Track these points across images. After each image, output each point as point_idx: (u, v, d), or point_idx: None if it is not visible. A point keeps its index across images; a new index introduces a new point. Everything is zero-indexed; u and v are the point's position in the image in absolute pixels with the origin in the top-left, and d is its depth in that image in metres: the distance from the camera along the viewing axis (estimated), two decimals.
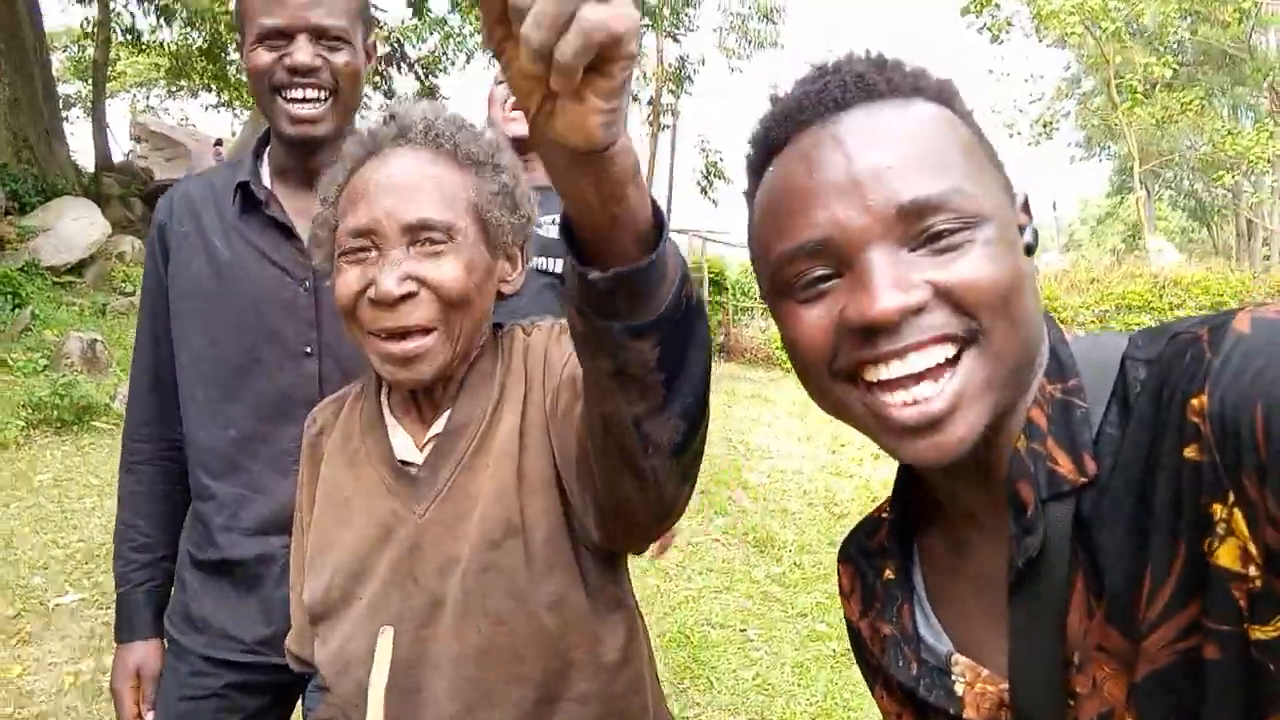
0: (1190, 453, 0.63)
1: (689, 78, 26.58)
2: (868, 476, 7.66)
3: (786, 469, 7.91)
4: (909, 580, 0.89)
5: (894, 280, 0.70)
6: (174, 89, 25.61)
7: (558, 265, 2.04)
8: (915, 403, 0.71)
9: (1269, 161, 20.43)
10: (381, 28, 18.22)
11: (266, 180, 1.62)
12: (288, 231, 1.56)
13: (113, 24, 16.87)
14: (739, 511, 6.61)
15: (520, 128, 2.04)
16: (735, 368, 14.44)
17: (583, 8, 0.53)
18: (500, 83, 2.21)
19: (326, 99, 1.52)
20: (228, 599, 1.57)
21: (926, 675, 0.83)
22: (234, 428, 1.54)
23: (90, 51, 18.37)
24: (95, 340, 8.39)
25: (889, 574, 0.89)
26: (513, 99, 2.05)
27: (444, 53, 19.31)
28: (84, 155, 15.93)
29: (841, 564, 1.00)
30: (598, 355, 0.76)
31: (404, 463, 1.15)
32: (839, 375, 0.76)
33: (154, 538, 1.68)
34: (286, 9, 1.48)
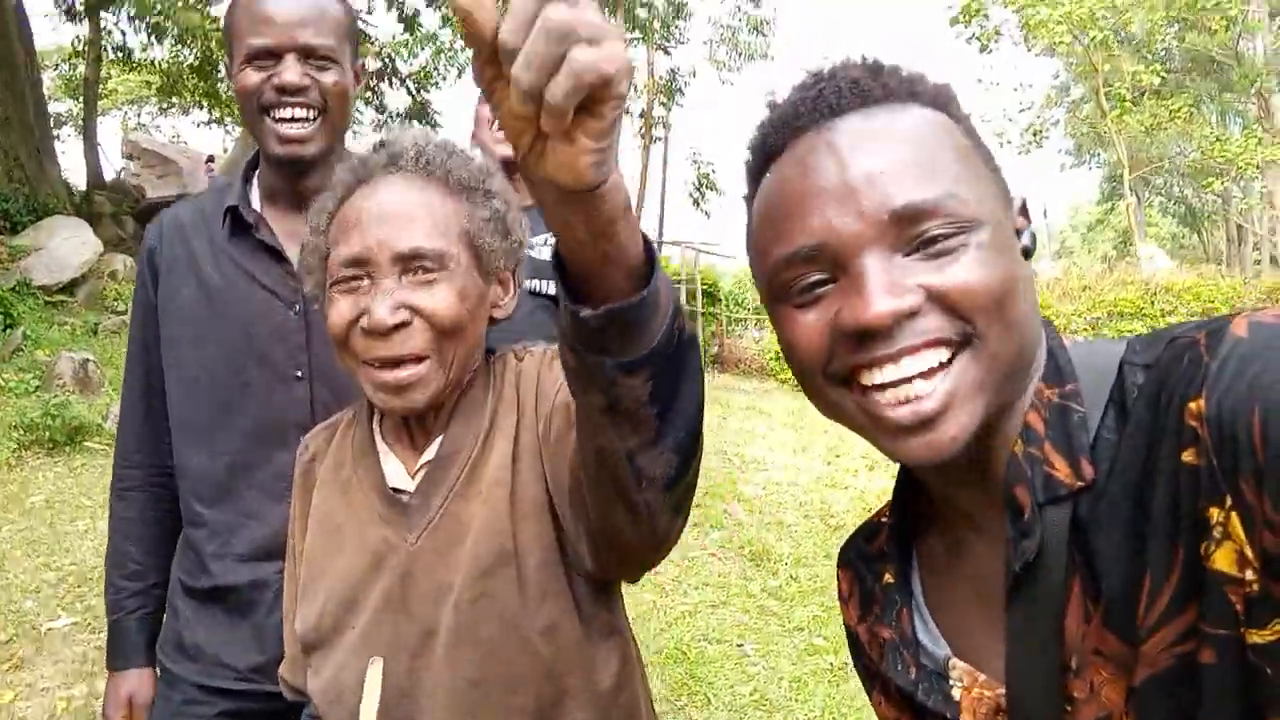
0: (1188, 457, 0.63)
1: (680, 90, 26.65)
2: (863, 488, 7.65)
3: (782, 481, 7.89)
4: (908, 585, 0.89)
5: (887, 285, 0.70)
6: (165, 106, 25.60)
7: (550, 287, 2.03)
8: (908, 401, 0.72)
9: (1257, 168, 20.54)
10: (373, 43, 18.27)
11: (256, 203, 1.62)
12: (277, 255, 1.56)
13: (104, 42, 16.86)
14: (735, 525, 6.59)
15: (508, 149, 2.04)
16: (729, 379, 14.43)
17: (573, 49, 0.53)
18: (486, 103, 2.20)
19: (315, 118, 1.51)
20: (220, 626, 1.55)
21: (925, 680, 0.83)
22: (226, 453, 1.54)
23: (81, 69, 18.34)
24: (87, 360, 8.35)
25: (888, 578, 0.89)
26: None
27: (436, 68, 19.34)
28: (75, 173, 15.92)
29: (840, 569, 1.00)
30: (590, 390, 0.76)
31: (396, 490, 1.15)
32: (834, 379, 0.76)
33: (145, 565, 1.67)
34: (274, 29, 1.48)
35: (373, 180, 1.12)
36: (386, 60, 18.96)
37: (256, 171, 1.66)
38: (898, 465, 0.90)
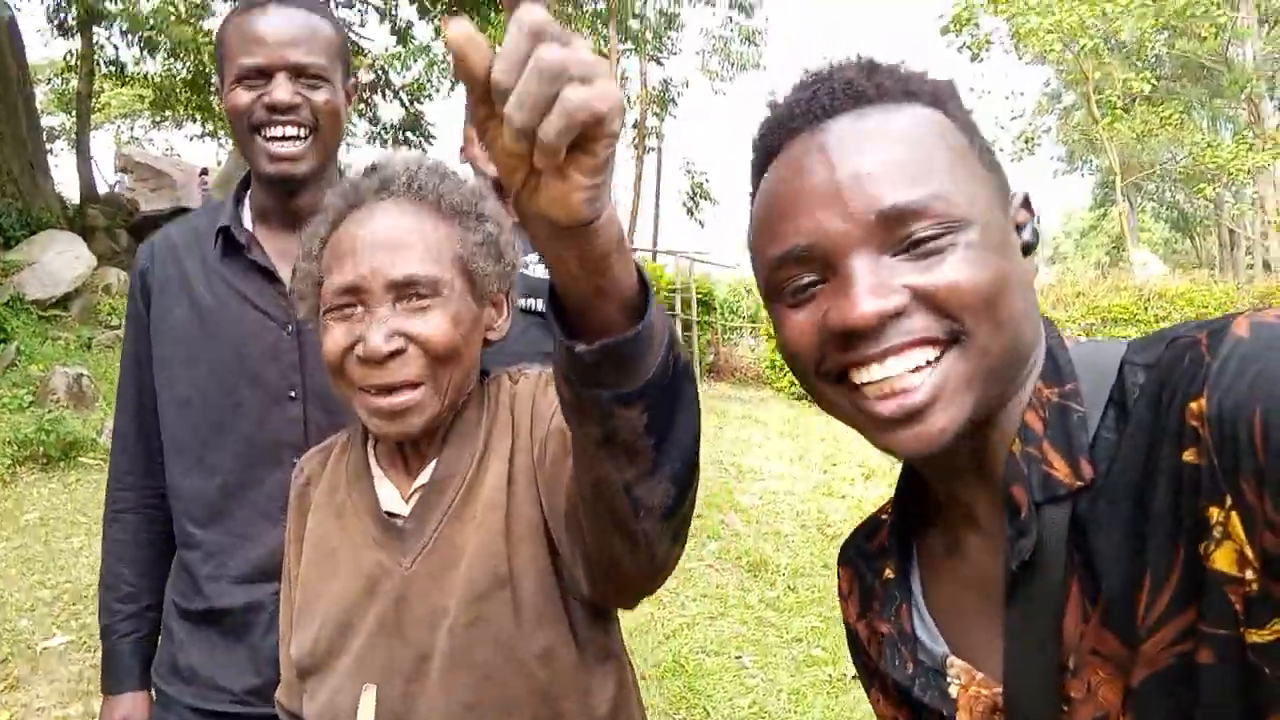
0: (1189, 456, 0.63)
1: (673, 100, 26.76)
2: (860, 496, 7.65)
3: (778, 490, 7.88)
4: (907, 581, 0.89)
5: (872, 286, 0.71)
6: (158, 120, 25.62)
7: (543, 305, 2.03)
8: (894, 394, 0.72)
9: (1248, 173, 20.64)
10: (366, 55, 18.31)
11: (248, 223, 1.62)
12: (270, 275, 1.55)
13: (96, 56, 16.86)
14: (732, 535, 6.58)
15: None
16: (726, 388, 14.43)
17: (565, 89, 0.54)
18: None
19: (306, 137, 1.52)
20: (215, 649, 1.55)
21: (921, 675, 0.83)
22: (219, 474, 1.53)
23: (74, 83, 18.36)
24: (81, 375, 8.32)
25: (888, 573, 0.90)
26: None
27: (429, 79, 19.40)
28: (69, 187, 15.89)
29: (841, 566, 1.01)
30: (586, 422, 0.76)
31: (390, 514, 1.14)
32: (827, 376, 0.77)
33: (139, 587, 1.66)
34: (265, 48, 1.48)
35: (365, 205, 1.11)
36: (380, 72, 19.00)
37: (248, 191, 1.66)
38: (896, 473, 0.92)
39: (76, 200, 14.89)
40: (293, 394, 1.52)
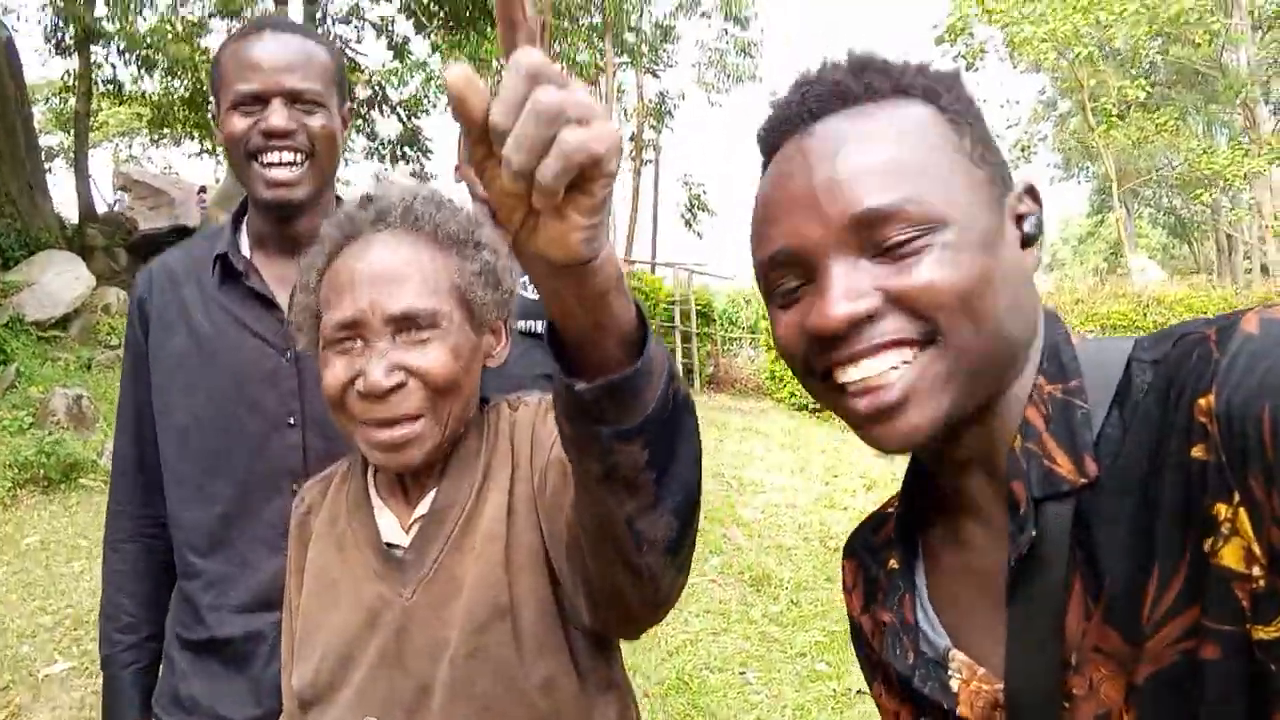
0: (1197, 452, 0.63)
1: (669, 113, 26.83)
2: (862, 508, 7.62)
3: (780, 503, 7.87)
4: (911, 573, 0.89)
5: (845, 290, 0.73)
6: (157, 138, 25.65)
7: (542, 326, 2.03)
8: (870, 391, 0.74)
9: (1244, 178, 20.68)
10: (363, 71, 18.36)
11: (245, 250, 1.62)
12: (268, 302, 1.55)
13: (94, 75, 16.92)
14: (734, 549, 6.57)
15: None
16: (726, 399, 14.42)
17: (563, 131, 0.54)
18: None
19: (303, 162, 1.52)
20: (217, 679, 1.54)
21: (922, 666, 0.83)
22: (220, 503, 1.52)
23: (72, 103, 18.40)
24: (81, 396, 8.32)
25: (893, 564, 0.90)
26: None
27: (426, 95, 19.44)
28: (67, 206, 15.92)
29: (846, 559, 1.01)
30: (587, 458, 0.76)
31: (390, 545, 1.14)
32: (814, 376, 0.79)
33: (139, 618, 1.65)
34: (261, 74, 1.49)
35: (361, 237, 1.11)
36: (377, 88, 19.05)
37: (246, 217, 1.66)
38: (898, 484, 0.92)
39: (75, 219, 14.91)
40: (292, 420, 1.52)
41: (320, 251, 1.14)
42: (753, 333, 16.79)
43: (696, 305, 16.08)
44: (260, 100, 1.49)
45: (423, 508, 1.13)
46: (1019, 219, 0.79)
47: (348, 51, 18.63)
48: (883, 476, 8.35)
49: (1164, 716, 0.66)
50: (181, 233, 13.08)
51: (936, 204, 0.72)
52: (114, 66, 17.51)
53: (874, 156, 0.74)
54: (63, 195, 17.06)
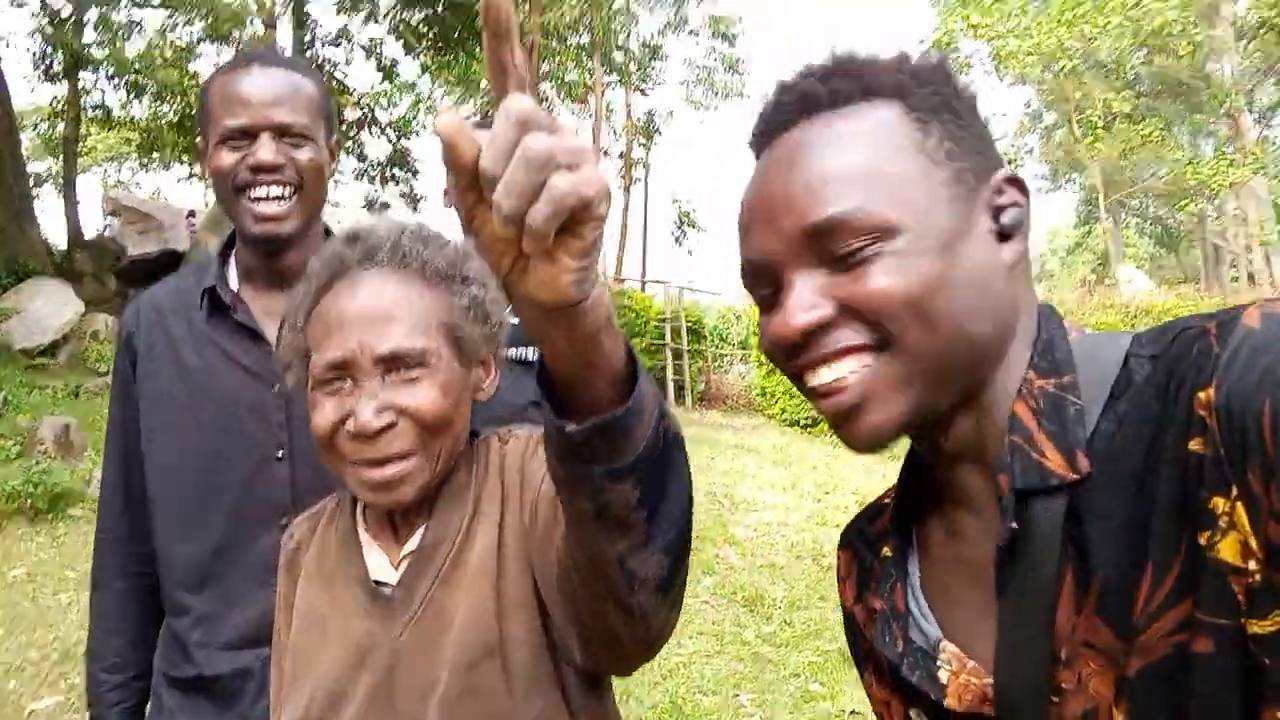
0: (1195, 445, 0.63)
1: (658, 131, 26.95)
2: None
3: (773, 522, 7.85)
4: (904, 562, 0.89)
5: (800, 302, 0.75)
6: (145, 162, 25.64)
7: (532, 353, 2.02)
8: (831, 394, 0.76)
9: (1230, 188, 20.82)
10: (352, 93, 18.41)
11: (233, 283, 1.62)
12: (256, 335, 1.55)
13: (82, 101, 16.94)
14: (727, 569, 6.55)
15: None
16: (717, 415, 14.42)
17: (553, 176, 0.55)
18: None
19: (291, 196, 1.51)
20: (205, 716, 1.52)
21: (911, 654, 0.83)
22: (209, 539, 1.51)
23: (60, 129, 18.40)
24: (68, 425, 8.28)
25: (886, 552, 0.90)
26: None
27: (414, 116, 19.51)
28: (56, 232, 15.90)
29: (841, 550, 1.01)
30: (577, 498, 0.76)
31: (379, 583, 1.13)
32: (795, 378, 0.80)
33: (126, 658, 1.64)
34: (248, 109, 1.49)
35: (349, 275, 1.11)
36: (366, 110, 19.12)
37: (233, 251, 1.66)
38: (897, 471, 0.93)
39: (64, 245, 14.89)
40: (280, 454, 1.51)
41: (308, 290, 1.14)
42: (743, 349, 16.82)
43: (687, 322, 16.11)
44: (248, 135, 1.49)
45: (412, 544, 1.12)
46: (998, 211, 0.78)
47: (337, 74, 18.67)
48: (875, 492, 8.34)
49: (1155, 709, 0.66)
50: (171, 257, 13.03)
51: (886, 211, 0.73)
52: (103, 92, 17.59)
53: (827, 167, 0.75)
54: (51, 221, 17.06)
